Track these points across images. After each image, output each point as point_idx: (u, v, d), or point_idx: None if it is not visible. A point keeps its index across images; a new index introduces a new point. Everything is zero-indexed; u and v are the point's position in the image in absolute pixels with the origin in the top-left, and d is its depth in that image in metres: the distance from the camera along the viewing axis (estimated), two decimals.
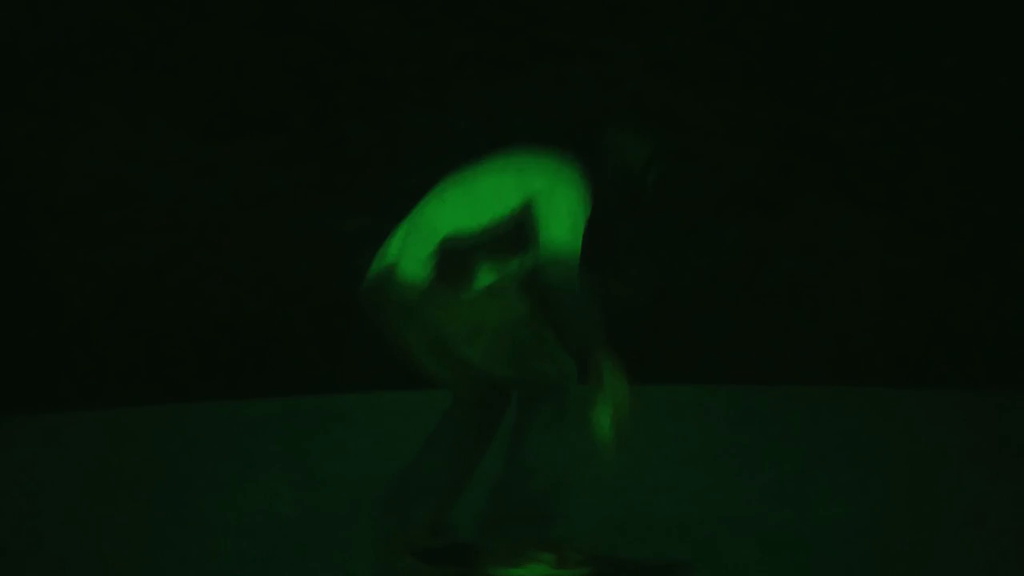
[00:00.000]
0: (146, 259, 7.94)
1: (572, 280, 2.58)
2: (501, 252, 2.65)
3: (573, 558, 2.78)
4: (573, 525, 3.22)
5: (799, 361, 7.90)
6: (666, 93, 8.22)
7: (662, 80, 8.27)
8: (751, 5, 8.35)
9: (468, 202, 2.68)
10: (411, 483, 2.79)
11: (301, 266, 8.05)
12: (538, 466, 2.68)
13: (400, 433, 5.48)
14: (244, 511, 3.83)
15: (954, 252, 8.07)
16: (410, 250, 2.65)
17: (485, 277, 2.64)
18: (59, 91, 7.91)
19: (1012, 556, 3.08)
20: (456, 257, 2.63)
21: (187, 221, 8.00)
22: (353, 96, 8.32)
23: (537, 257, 2.61)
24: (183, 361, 7.82)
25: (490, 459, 2.85)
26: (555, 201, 2.66)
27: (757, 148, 8.21)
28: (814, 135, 8.15)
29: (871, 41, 8.15)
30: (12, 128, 7.85)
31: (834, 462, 4.85)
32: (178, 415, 6.48)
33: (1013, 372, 7.63)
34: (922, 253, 8.09)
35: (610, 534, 3.39)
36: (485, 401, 2.85)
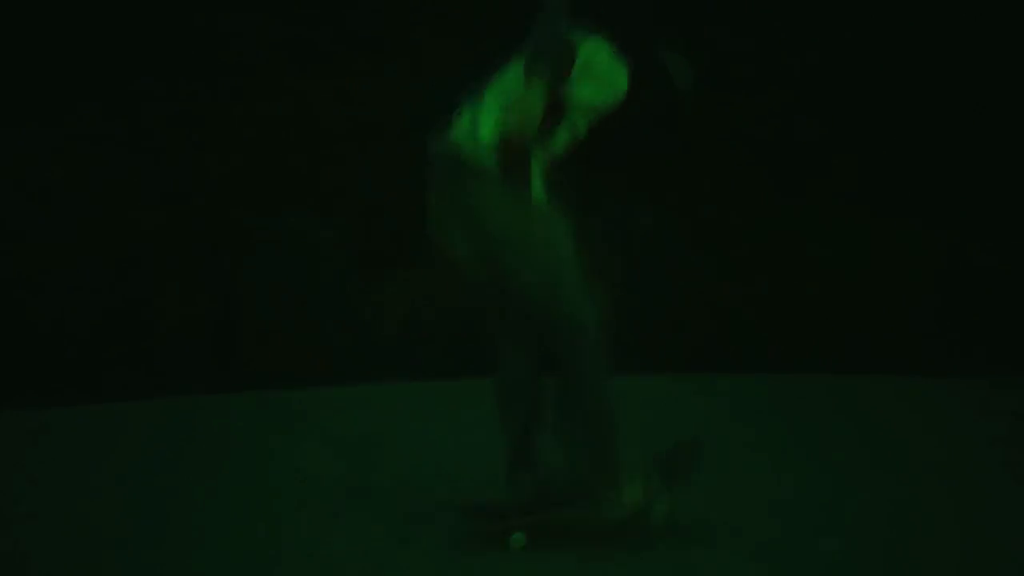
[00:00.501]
0: None
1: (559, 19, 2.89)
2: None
3: (655, 485, 2.98)
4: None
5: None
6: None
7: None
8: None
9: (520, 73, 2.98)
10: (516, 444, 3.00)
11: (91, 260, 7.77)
12: (595, 409, 2.92)
13: (247, 434, 5.29)
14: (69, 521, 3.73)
15: (743, 248, 8.69)
16: (480, 120, 2.97)
17: (537, 170, 2.98)
18: None
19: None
20: (514, 151, 2.94)
21: None
22: (160, 82, 8.11)
23: None
24: None
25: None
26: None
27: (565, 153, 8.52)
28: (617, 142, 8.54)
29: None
30: None
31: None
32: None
33: (799, 358, 8.21)
34: (714, 251, 8.66)
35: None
36: (516, 328, 3.04)
